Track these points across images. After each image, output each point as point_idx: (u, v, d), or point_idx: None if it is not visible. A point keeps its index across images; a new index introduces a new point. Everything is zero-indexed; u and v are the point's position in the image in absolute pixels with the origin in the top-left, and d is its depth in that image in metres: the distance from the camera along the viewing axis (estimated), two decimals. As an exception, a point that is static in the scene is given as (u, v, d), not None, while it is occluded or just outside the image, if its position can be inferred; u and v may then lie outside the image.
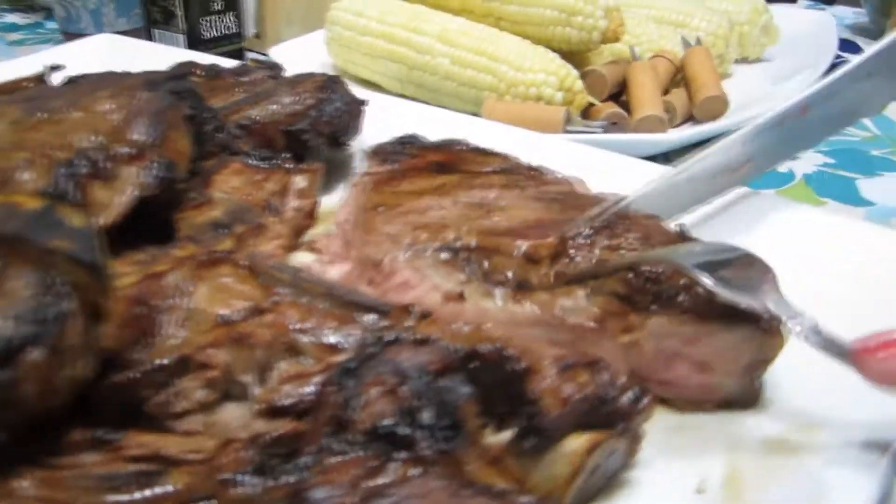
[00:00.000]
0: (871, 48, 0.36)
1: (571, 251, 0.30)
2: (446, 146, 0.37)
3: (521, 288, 0.29)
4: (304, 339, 0.24)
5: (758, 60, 0.74)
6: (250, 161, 0.36)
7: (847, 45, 0.80)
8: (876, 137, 0.61)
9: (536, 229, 0.32)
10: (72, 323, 0.22)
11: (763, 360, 0.28)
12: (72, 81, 0.45)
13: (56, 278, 0.22)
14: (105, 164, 0.27)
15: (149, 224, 0.31)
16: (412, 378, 0.21)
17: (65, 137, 0.28)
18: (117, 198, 0.27)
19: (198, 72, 0.46)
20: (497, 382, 0.22)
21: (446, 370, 0.22)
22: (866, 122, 0.63)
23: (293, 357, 0.24)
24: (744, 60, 0.73)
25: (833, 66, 0.70)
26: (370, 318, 0.25)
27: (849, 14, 0.93)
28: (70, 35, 0.80)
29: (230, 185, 0.34)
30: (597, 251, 0.30)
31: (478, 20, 0.57)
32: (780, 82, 0.66)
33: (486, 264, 0.30)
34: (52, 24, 0.88)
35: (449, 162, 0.35)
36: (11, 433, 0.21)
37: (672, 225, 0.32)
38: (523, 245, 0.30)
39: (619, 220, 0.31)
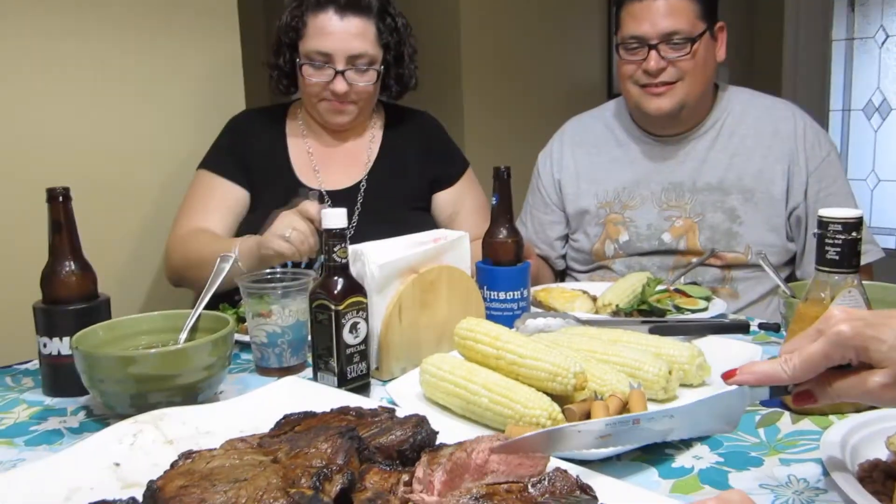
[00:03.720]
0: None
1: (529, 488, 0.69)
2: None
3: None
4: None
5: (699, 385, 1.12)
6: (381, 467, 0.76)
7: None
8: (760, 443, 0.96)
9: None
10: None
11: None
12: (286, 417, 0.88)
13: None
14: (329, 474, 0.67)
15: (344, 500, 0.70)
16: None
17: (310, 461, 0.69)
18: (334, 488, 0.67)
19: (351, 413, 0.88)
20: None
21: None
22: (759, 430, 0.98)
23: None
24: (689, 386, 1.11)
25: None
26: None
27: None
28: (261, 369, 1.27)
29: (373, 480, 0.73)
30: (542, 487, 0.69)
31: (505, 375, 0.99)
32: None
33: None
34: (246, 356, 1.35)
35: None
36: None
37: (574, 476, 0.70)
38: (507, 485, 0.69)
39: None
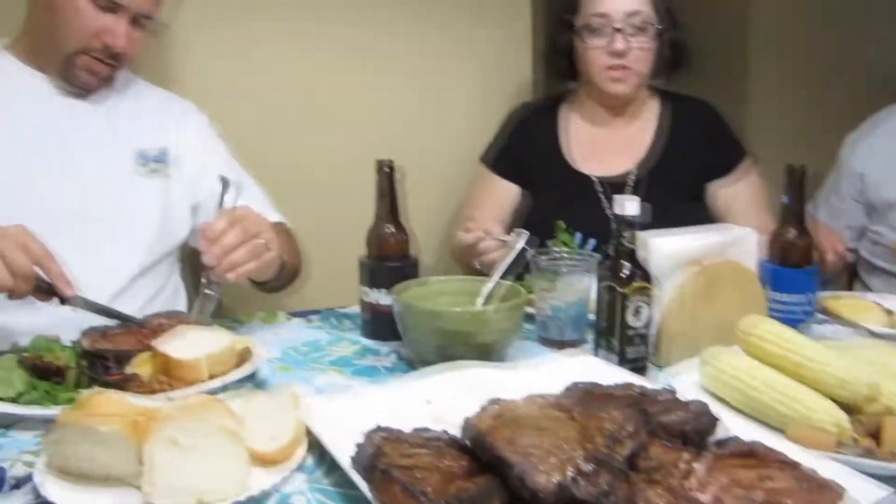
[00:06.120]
0: None
1: None
2: (751, 446, 0.80)
3: None
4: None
5: None
6: (664, 442, 0.82)
7: None
8: None
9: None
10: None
11: None
12: (575, 384, 0.97)
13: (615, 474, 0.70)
14: (621, 438, 0.76)
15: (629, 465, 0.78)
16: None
17: (603, 424, 0.78)
18: (625, 450, 0.75)
19: (634, 389, 0.96)
20: None
21: None
22: None
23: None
24: None
25: None
26: None
27: None
28: (542, 339, 1.38)
29: (656, 452, 0.80)
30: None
31: (788, 375, 1.00)
32: None
33: None
34: (527, 326, 1.47)
35: (752, 453, 0.79)
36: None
37: None
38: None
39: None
